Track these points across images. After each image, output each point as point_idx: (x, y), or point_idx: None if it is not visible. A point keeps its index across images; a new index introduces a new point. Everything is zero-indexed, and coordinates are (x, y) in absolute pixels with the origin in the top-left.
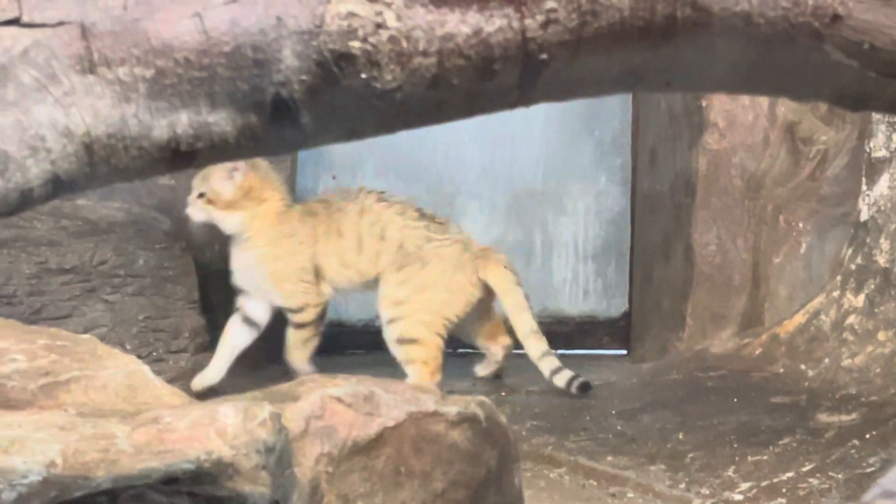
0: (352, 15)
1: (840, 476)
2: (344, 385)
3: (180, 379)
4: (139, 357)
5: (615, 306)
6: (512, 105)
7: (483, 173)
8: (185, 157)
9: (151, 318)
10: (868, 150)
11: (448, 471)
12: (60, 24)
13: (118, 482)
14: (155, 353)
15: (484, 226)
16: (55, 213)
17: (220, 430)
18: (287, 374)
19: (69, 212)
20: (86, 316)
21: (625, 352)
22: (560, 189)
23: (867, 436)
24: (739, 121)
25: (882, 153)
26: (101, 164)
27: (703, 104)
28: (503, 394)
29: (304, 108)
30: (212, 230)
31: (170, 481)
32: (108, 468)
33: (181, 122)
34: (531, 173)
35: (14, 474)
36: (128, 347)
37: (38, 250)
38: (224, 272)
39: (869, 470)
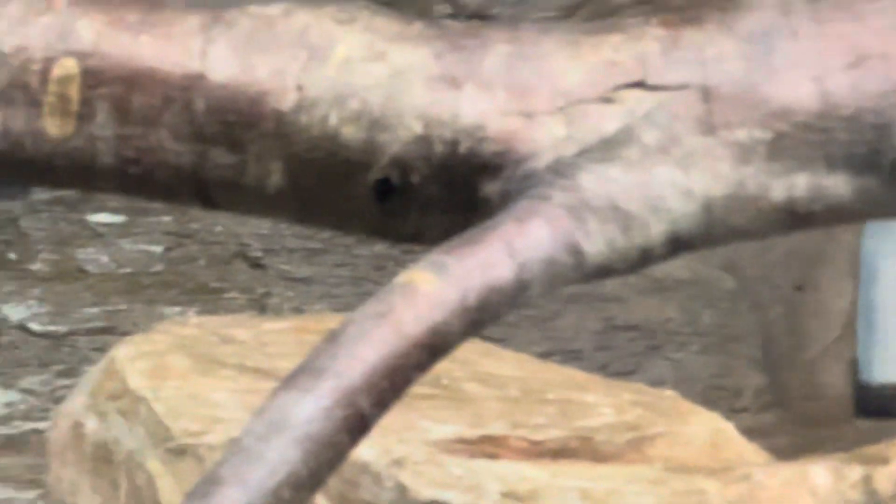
0: None
1: None
2: None
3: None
4: None
5: None
6: None
7: None
8: (801, 218)
9: (714, 377)
10: None
11: None
12: (682, 87)
13: None
14: (718, 412)
15: None
16: None
17: (812, 490)
18: (876, 430)
19: None
20: (650, 372)
21: None
22: None
23: None
24: None
25: None
26: (718, 223)
27: None
28: None
29: None
30: (774, 291)
31: None
32: None
33: (798, 184)
34: None
35: None
36: None
37: (604, 306)
38: (787, 331)
39: None
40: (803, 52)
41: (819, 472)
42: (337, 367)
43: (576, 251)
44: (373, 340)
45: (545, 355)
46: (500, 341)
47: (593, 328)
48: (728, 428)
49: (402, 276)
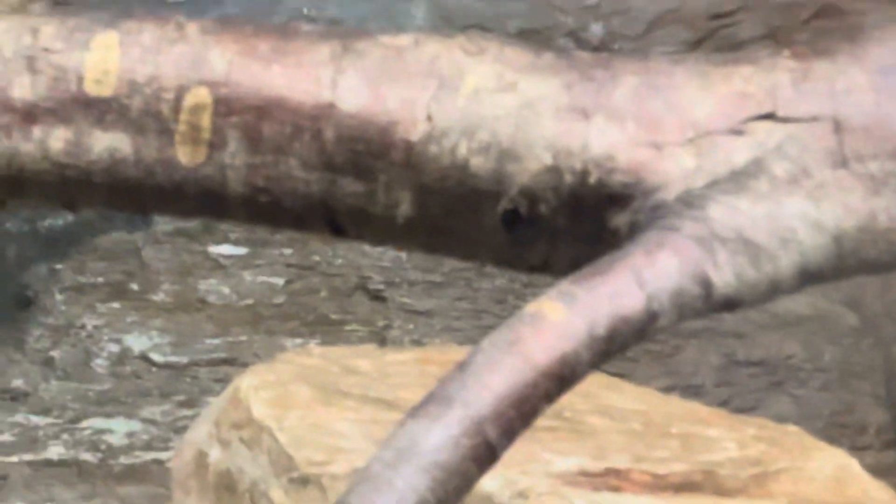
0: None
1: None
2: None
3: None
4: None
5: None
6: None
7: None
8: None
9: (837, 414)
10: None
11: None
12: (813, 119)
13: None
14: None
15: None
16: None
17: None
18: None
19: None
20: (772, 409)
21: None
22: None
23: None
24: None
25: None
26: (848, 256)
27: None
28: None
29: None
30: None
31: None
32: None
33: None
34: None
35: None
36: None
37: (725, 341)
38: None
39: None
40: None
41: None
42: (465, 395)
43: (705, 282)
44: (501, 369)
45: (666, 390)
46: (620, 376)
47: (714, 363)
48: (853, 464)
49: (531, 306)
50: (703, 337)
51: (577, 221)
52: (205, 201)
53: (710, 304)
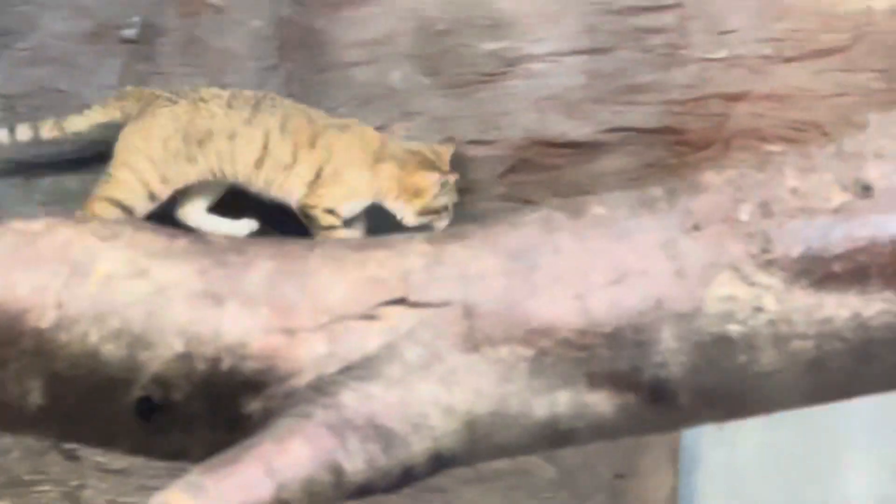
0: (731, 298)
1: None
2: None
3: None
4: None
5: None
6: (892, 387)
7: (870, 426)
8: (563, 435)
9: None
10: None
11: None
12: (445, 303)
13: None
14: None
15: (871, 478)
16: None
17: None
18: None
19: None
20: None
21: None
22: None
23: None
24: None
25: None
26: (481, 440)
27: None
28: None
29: (681, 389)
30: (595, 479)
31: None
32: None
33: (560, 401)
34: None
35: None
36: None
37: (427, 496)
38: None
39: None
40: (566, 269)
41: None
42: None
43: (336, 470)
44: None
45: None
46: None
47: None
48: None
49: (159, 497)
50: (402, 494)
51: (212, 408)
52: None
53: (341, 492)
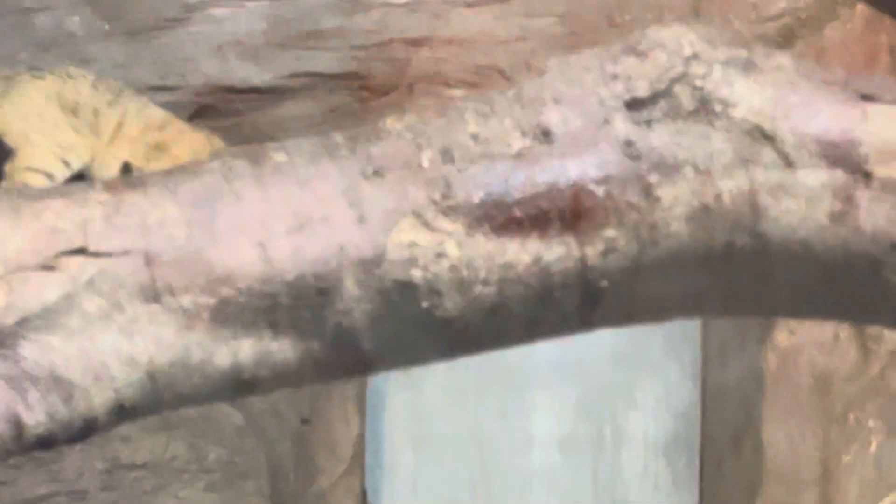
0: (413, 244)
1: None
2: None
3: None
4: None
5: (685, 501)
6: (573, 331)
7: (553, 367)
8: (247, 384)
9: None
10: None
11: None
12: (125, 253)
13: None
14: None
15: (554, 418)
16: None
17: None
18: None
19: None
20: None
21: None
22: (630, 382)
23: None
24: None
25: None
26: (164, 391)
27: None
28: None
29: (365, 336)
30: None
31: None
32: None
33: (243, 349)
34: (601, 366)
35: None
36: None
37: (111, 445)
38: (296, 466)
39: None
40: (247, 218)
41: None
42: None
43: (16, 423)
44: None
45: (49, 497)
46: (1, 484)
47: (99, 468)
48: None
49: None
50: (87, 441)
51: None
52: None
53: (22, 444)
